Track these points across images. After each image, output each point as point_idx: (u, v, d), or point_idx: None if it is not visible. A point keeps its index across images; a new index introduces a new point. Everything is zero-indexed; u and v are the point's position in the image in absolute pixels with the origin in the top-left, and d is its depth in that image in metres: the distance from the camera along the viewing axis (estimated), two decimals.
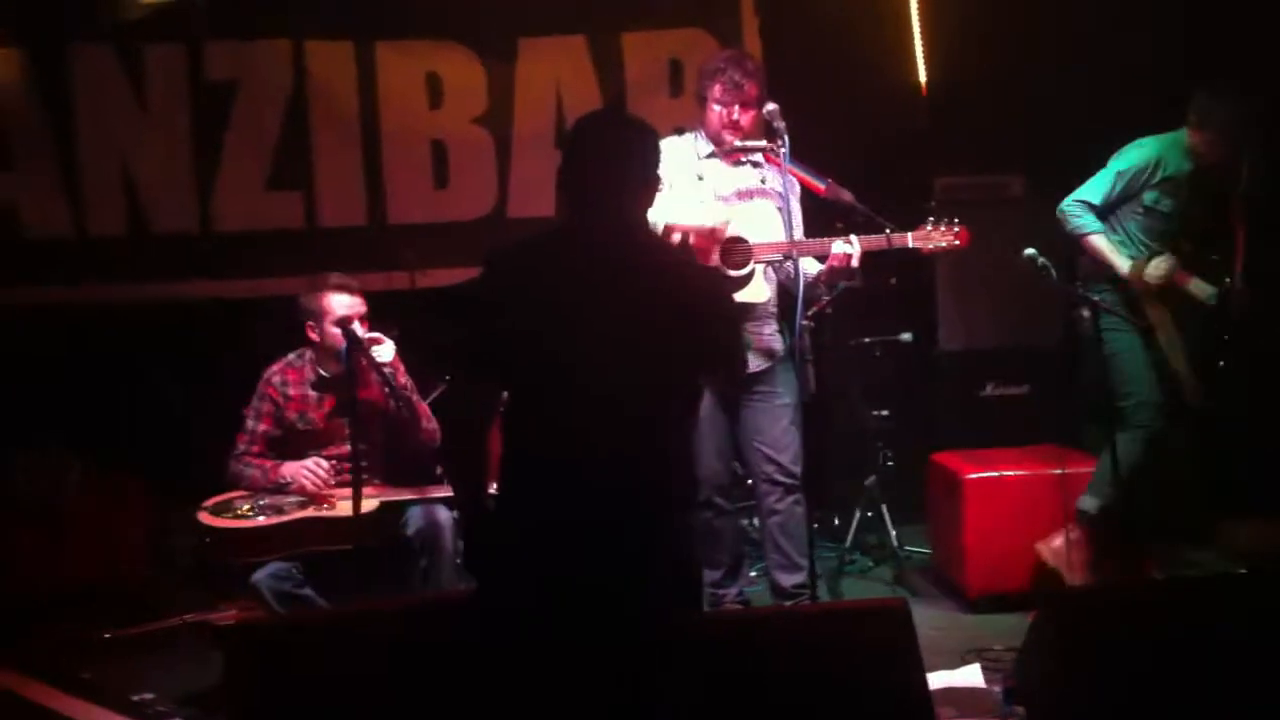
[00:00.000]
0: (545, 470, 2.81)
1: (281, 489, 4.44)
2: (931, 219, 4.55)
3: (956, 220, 4.56)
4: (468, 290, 2.99)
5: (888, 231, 4.51)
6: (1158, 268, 4.98)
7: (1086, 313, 4.98)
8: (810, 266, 4.56)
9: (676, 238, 4.32)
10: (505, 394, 2.94)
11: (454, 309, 3.07)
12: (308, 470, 4.45)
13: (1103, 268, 5.03)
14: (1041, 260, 4.93)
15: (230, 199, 6.08)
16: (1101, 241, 5.04)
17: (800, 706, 3.43)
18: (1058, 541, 4.99)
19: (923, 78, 6.18)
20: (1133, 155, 5.07)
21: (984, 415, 6.02)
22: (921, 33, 6.13)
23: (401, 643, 3.43)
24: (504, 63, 6.29)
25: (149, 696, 4.30)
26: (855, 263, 4.44)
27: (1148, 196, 5.01)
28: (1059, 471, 5.06)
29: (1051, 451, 5.25)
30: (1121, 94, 5.83)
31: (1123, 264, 4.99)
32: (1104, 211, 5.08)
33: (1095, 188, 5.09)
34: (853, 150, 5.28)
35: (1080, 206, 5.09)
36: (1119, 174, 5.07)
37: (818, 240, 4.51)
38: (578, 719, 2.76)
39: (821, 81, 5.91)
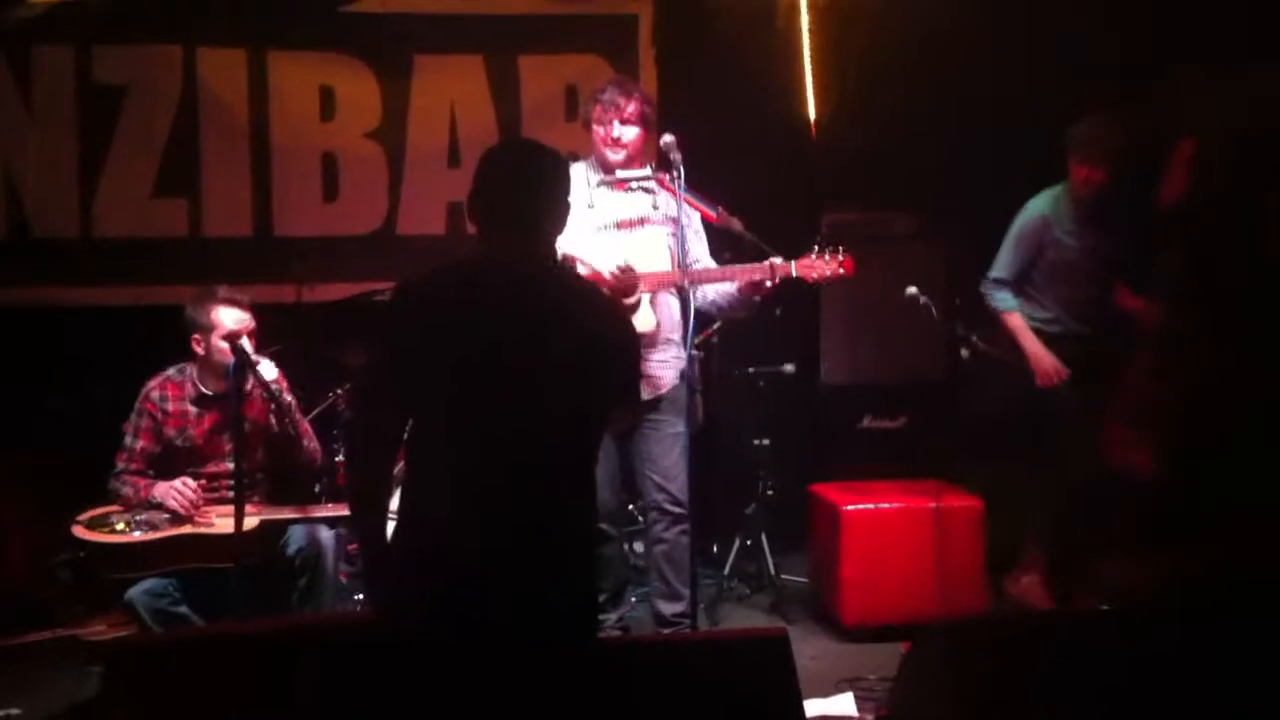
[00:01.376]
0: (451, 502, 2.77)
1: (155, 507, 4.36)
2: (817, 248, 4.55)
3: (842, 249, 4.55)
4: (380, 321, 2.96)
5: (772, 261, 4.50)
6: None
7: (965, 352, 5.12)
8: (713, 291, 4.61)
9: (581, 269, 4.35)
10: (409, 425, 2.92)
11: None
12: (176, 491, 4.36)
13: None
14: (924, 299, 5.08)
15: (114, 205, 5.98)
16: (1017, 321, 5.26)
17: None
18: (1025, 579, 5.14)
19: (813, 114, 6.28)
20: (1023, 219, 5.27)
21: (863, 446, 6.12)
22: (813, 68, 6.23)
23: (283, 662, 3.41)
24: (399, 78, 6.27)
25: (15, 712, 4.22)
26: (769, 285, 4.49)
27: (1051, 252, 5.19)
28: (935, 505, 5.18)
29: (928, 486, 5.36)
30: (1009, 134, 5.99)
31: (1031, 347, 5.21)
32: (1020, 279, 5.25)
33: (1003, 260, 5.29)
34: (743, 183, 5.35)
35: (994, 285, 5.30)
36: (1017, 239, 5.27)
37: (704, 269, 4.56)
38: None
39: (715, 113, 5.98)
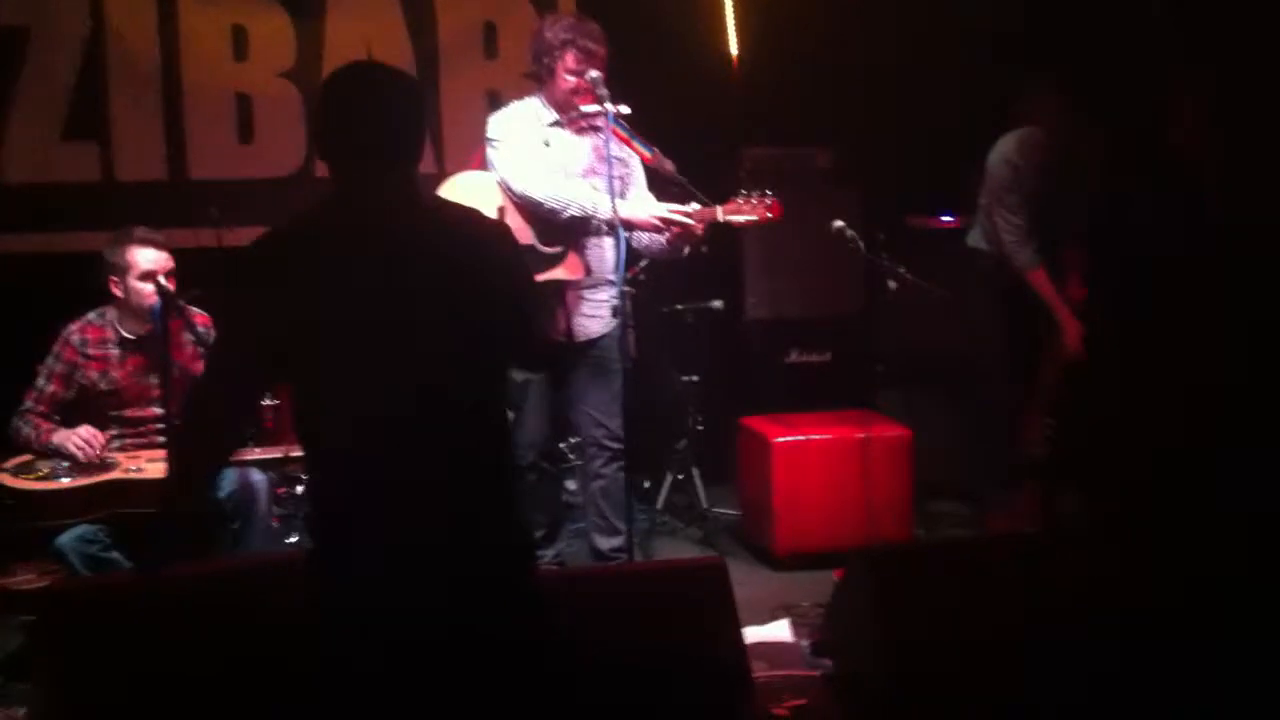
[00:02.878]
0: (352, 466, 2.50)
1: (55, 453, 4.29)
2: (744, 191, 4.54)
3: (769, 192, 4.53)
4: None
5: (694, 206, 4.51)
6: None
7: (893, 283, 5.18)
8: (647, 235, 4.63)
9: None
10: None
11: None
12: (79, 439, 4.27)
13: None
14: (850, 232, 5.12)
15: (21, 150, 5.82)
16: (1043, 279, 5.27)
17: (621, 664, 3.50)
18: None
19: (734, 49, 6.28)
20: (996, 169, 5.29)
21: (789, 381, 6.18)
22: (733, 2, 6.21)
23: (216, 606, 3.38)
24: (313, 17, 6.13)
25: None
26: (699, 231, 4.51)
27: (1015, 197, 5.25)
28: (863, 435, 5.26)
29: (855, 415, 5.44)
30: (929, 67, 6.03)
31: (1061, 310, 5.26)
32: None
33: (1006, 215, 5.26)
34: (663, 118, 5.33)
35: (1015, 242, 5.26)
36: (1002, 190, 5.26)
37: (625, 221, 4.49)
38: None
39: (634, 49, 5.93)
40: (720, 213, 4.52)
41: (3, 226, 5.76)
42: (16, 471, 4.20)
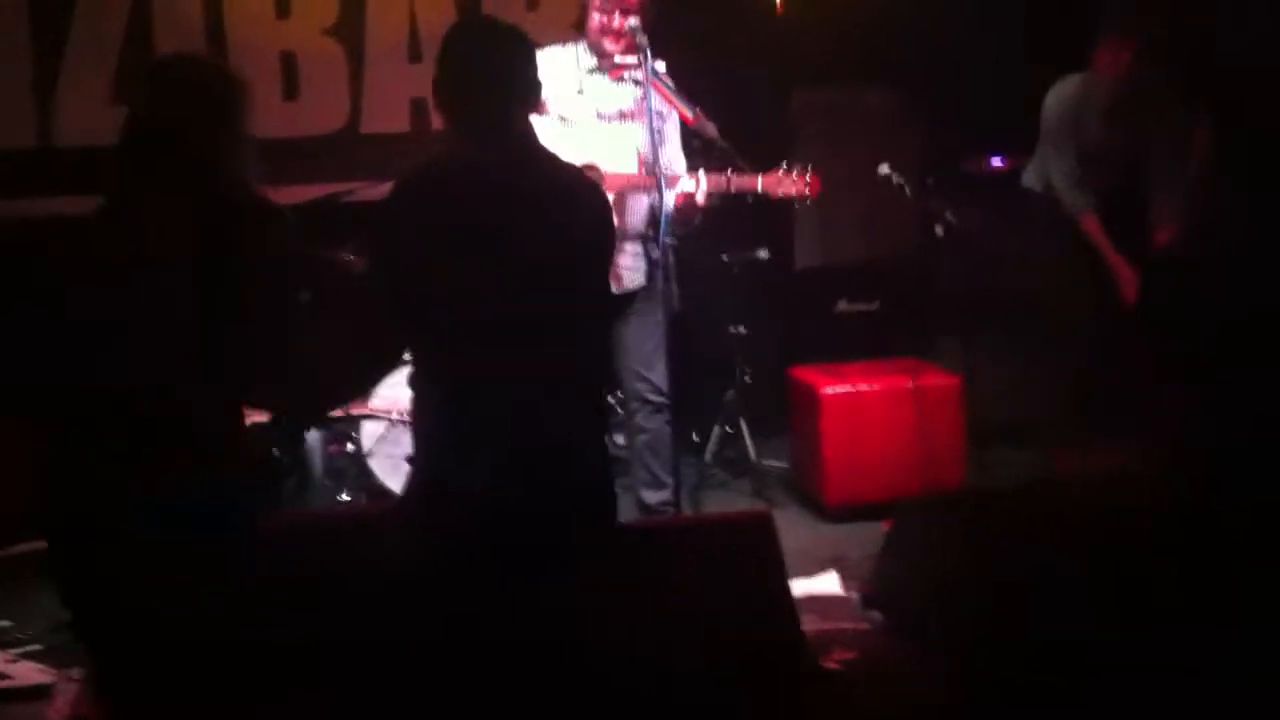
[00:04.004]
0: (465, 401, 2.72)
1: None
2: (785, 164, 4.58)
3: (809, 168, 4.57)
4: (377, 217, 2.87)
5: (729, 174, 4.52)
6: None
7: (941, 229, 5.11)
8: (671, 198, 4.58)
9: None
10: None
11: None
12: None
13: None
14: (897, 178, 5.05)
15: (72, 113, 5.85)
16: (1094, 224, 5.21)
17: (671, 616, 3.51)
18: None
19: None
20: (1053, 109, 5.22)
21: (839, 330, 6.14)
22: None
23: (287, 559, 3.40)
24: None
25: (5, 624, 4.24)
26: (700, 200, 4.48)
27: (1081, 142, 5.16)
28: (913, 384, 5.21)
29: (906, 364, 5.38)
30: (983, 9, 5.91)
31: (1112, 255, 5.18)
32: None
33: (1057, 158, 5.21)
34: (709, 60, 5.27)
35: (1066, 184, 5.20)
36: (1056, 131, 5.21)
37: (669, 176, 4.48)
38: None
39: None
40: (760, 184, 4.55)
41: (53, 189, 5.81)
42: None
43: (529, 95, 2.86)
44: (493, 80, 2.80)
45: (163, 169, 2.68)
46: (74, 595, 2.78)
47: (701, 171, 4.50)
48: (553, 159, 2.94)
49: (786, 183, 4.53)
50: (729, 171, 4.52)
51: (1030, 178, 5.44)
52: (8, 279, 4.54)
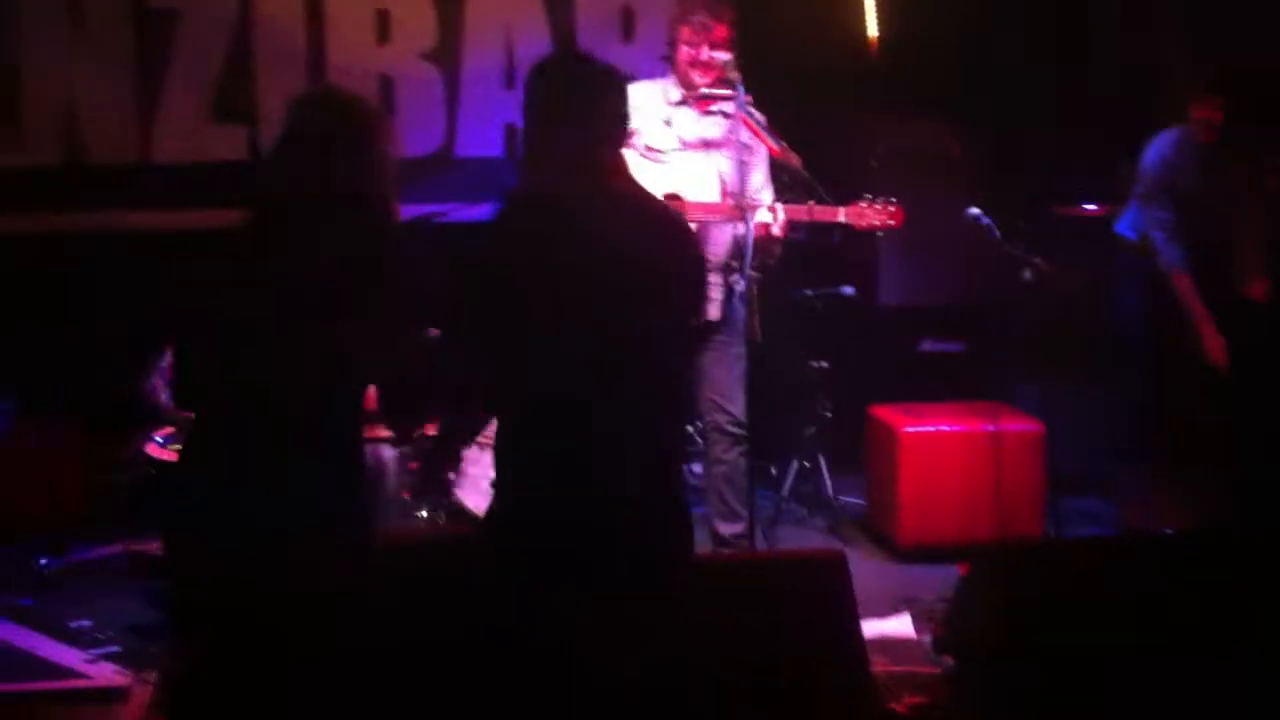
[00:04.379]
0: (547, 435, 2.73)
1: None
2: (868, 195, 4.57)
3: (893, 200, 4.57)
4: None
5: (810, 204, 4.52)
6: None
7: (1028, 273, 5.07)
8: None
9: None
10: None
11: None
12: None
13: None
14: (985, 220, 5.02)
15: (172, 130, 5.99)
16: (1186, 284, 5.19)
17: (738, 653, 3.50)
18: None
19: (872, 32, 6.18)
20: (1146, 165, 5.25)
21: (921, 370, 6.10)
22: None
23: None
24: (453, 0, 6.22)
25: (87, 624, 4.32)
26: (777, 231, 4.48)
27: (1177, 196, 5.16)
28: (993, 428, 5.16)
29: (988, 408, 5.33)
30: (1075, 58, 5.88)
31: (1202, 316, 5.16)
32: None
33: (1151, 212, 5.23)
34: (798, 100, 5.28)
35: (1160, 240, 5.21)
36: (1149, 187, 5.23)
37: (751, 203, 4.50)
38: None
39: (771, 33, 5.89)
40: (842, 215, 4.55)
41: (151, 203, 5.95)
42: (165, 442, 4.36)
43: (614, 130, 2.85)
44: (575, 116, 2.79)
45: (311, 184, 2.76)
46: (186, 591, 2.83)
47: (779, 205, 4.50)
48: (643, 194, 2.94)
49: (870, 213, 4.53)
50: (811, 203, 4.52)
51: (1125, 225, 5.43)
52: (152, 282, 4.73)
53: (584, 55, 3.01)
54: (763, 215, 4.46)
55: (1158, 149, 5.27)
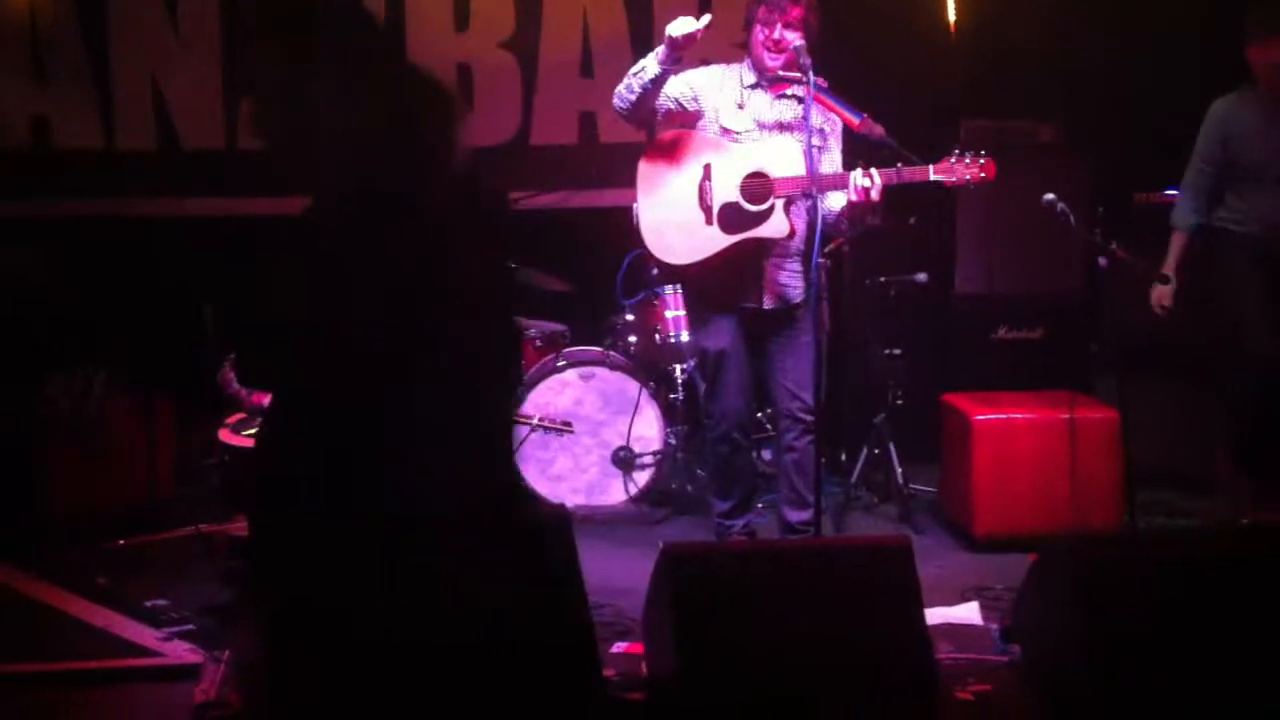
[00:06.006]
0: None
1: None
2: (957, 151, 4.47)
3: (983, 152, 4.45)
4: None
5: (898, 166, 4.44)
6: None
7: (1103, 261, 4.99)
8: (836, 204, 4.59)
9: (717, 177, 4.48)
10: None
11: None
12: None
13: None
14: (1061, 206, 4.94)
15: None
16: (1174, 242, 5.15)
17: (803, 636, 3.52)
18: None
19: (952, 17, 6.14)
20: (1205, 123, 5.09)
21: (996, 358, 6.04)
22: None
23: None
24: None
25: (162, 603, 4.40)
26: (875, 196, 4.40)
27: (1239, 154, 5.00)
28: (1068, 416, 5.11)
29: (1062, 397, 5.27)
30: (1164, 42, 5.78)
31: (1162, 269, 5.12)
32: (1214, 184, 5.08)
33: (1188, 172, 5.13)
34: (879, 89, 5.25)
35: (1182, 196, 5.17)
36: (1198, 145, 5.09)
37: (837, 174, 4.52)
38: None
39: (852, 18, 5.88)
40: (931, 172, 4.45)
41: (235, 190, 6.09)
42: (238, 428, 4.46)
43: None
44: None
45: (398, 163, 2.74)
46: (272, 574, 2.80)
47: (873, 169, 4.42)
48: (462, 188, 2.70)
49: (959, 168, 4.43)
50: (899, 165, 4.48)
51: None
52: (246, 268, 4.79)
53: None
54: (859, 179, 4.39)
55: (1211, 110, 5.07)
